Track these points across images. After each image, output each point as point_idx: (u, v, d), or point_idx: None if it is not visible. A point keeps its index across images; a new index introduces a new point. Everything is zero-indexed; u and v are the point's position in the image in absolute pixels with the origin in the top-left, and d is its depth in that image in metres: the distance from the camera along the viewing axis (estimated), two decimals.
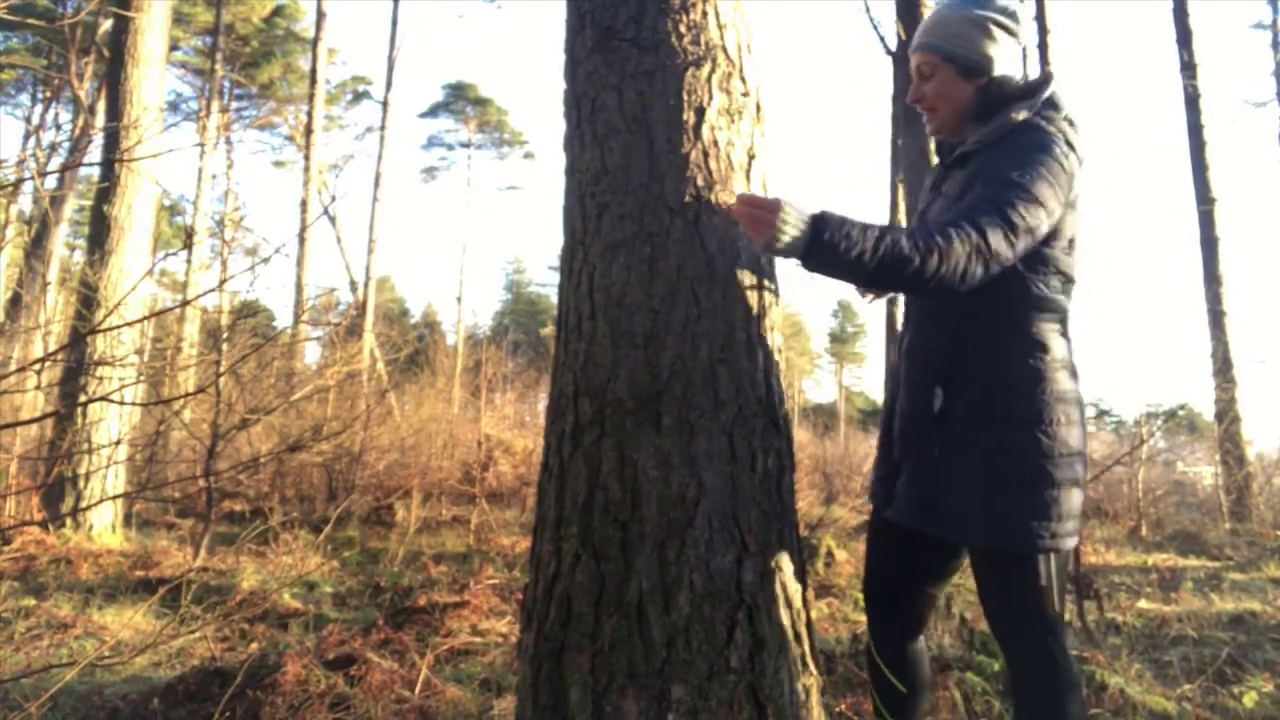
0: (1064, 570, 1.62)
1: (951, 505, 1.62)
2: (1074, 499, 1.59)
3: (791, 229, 1.47)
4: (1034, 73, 1.77)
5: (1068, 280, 1.65)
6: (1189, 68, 12.22)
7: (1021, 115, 1.63)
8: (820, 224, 1.47)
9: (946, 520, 1.63)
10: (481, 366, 9.79)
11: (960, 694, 2.72)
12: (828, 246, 1.46)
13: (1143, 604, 4.72)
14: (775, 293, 1.94)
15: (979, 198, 1.54)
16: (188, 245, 19.36)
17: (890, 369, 1.91)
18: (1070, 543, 1.59)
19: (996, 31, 1.71)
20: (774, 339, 1.89)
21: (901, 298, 1.92)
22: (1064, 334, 1.66)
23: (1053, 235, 1.60)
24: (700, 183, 1.82)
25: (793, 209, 1.48)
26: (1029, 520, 1.56)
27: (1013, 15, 1.72)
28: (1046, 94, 1.67)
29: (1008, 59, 1.73)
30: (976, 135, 1.69)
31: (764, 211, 1.49)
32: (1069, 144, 1.60)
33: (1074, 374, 1.65)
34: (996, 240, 1.47)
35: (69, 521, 5.86)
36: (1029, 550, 1.56)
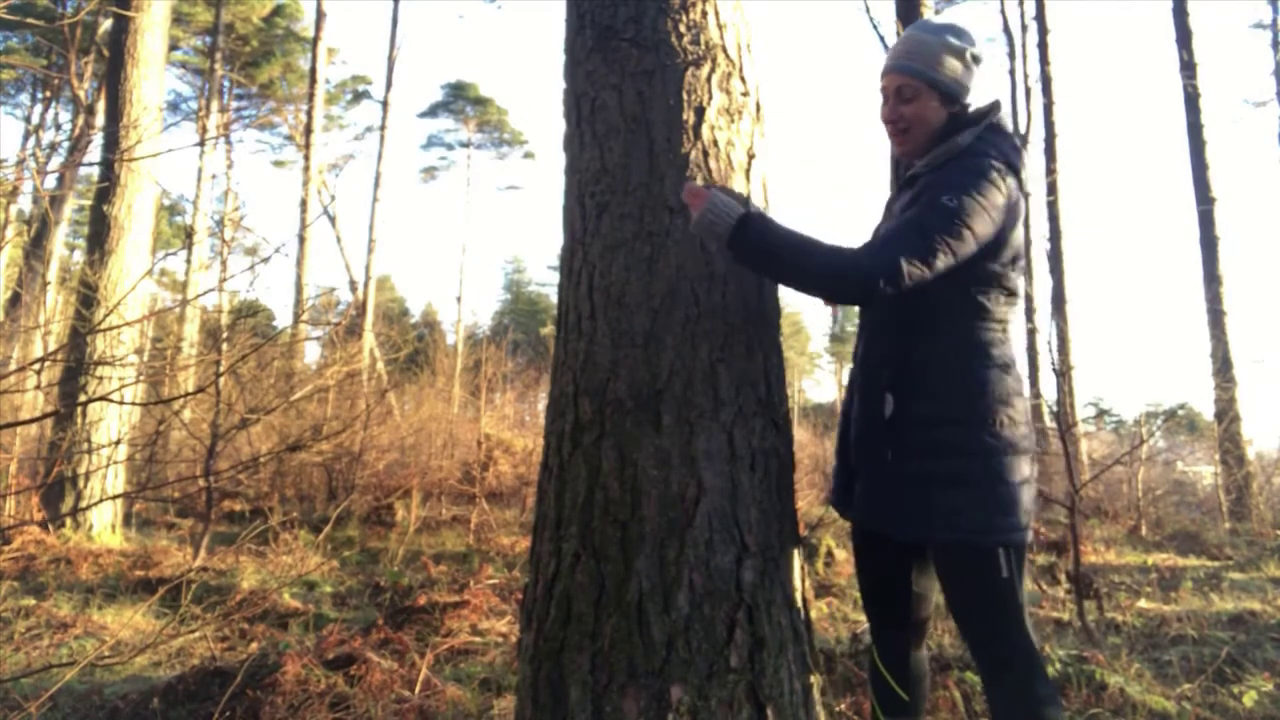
0: (1022, 563, 1.68)
1: (907, 506, 1.69)
2: (1025, 494, 1.67)
3: (715, 210, 1.64)
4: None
5: (1010, 293, 1.73)
6: (1188, 67, 12.22)
7: (965, 139, 1.73)
8: (744, 220, 1.64)
9: (903, 521, 1.70)
10: (481, 366, 9.80)
11: (960, 693, 2.72)
12: (748, 241, 1.64)
13: (1142, 603, 4.72)
14: (775, 292, 1.94)
15: (907, 222, 1.65)
16: (187, 245, 19.36)
17: (850, 378, 1.92)
18: (1025, 536, 1.67)
19: (971, 62, 1.79)
20: (774, 338, 1.89)
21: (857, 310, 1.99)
22: (1005, 340, 1.74)
23: (995, 251, 1.68)
24: (700, 182, 1.82)
25: (721, 200, 1.65)
26: (983, 516, 1.63)
27: (977, 46, 1.82)
28: (993, 120, 1.77)
29: (975, 88, 1.82)
30: (927, 157, 1.78)
31: (696, 198, 1.68)
32: (1008, 166, 1.69)
33: (1016, 377, 1.74)
34: (909, 268, 1.58)
35: (69, 521, 5.86)
36: (986, 544, 1.63)
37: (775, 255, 1.64)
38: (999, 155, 1.69)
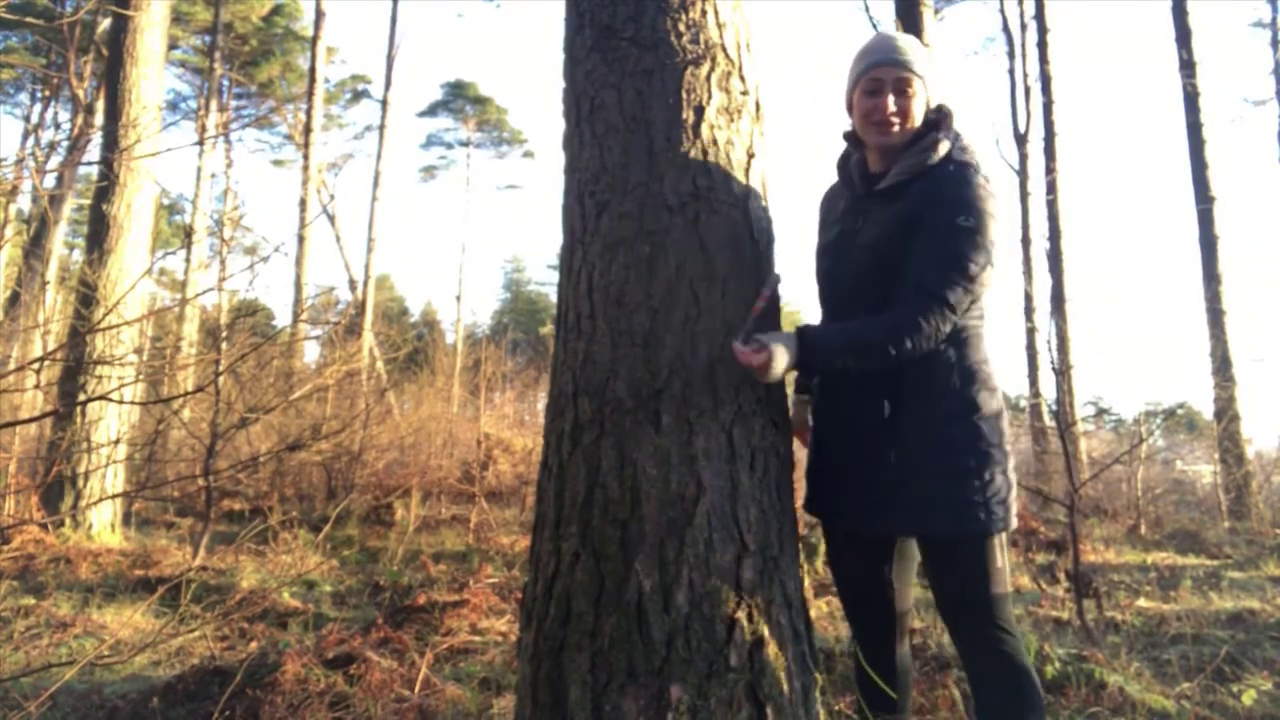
0: (1006, 549, 1.76)
1: (912, 503, 1.73)
2: (1012, 480, 1.77)
3: (780, 362, 1.65)
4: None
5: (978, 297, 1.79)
6: (1188, 66, 12.22)
7: (943, 147, 1.77)
8: (805, 351, 1.69)
9: (908, 519, 1.75)
10: (481, 365, 9.80)
11: (959, 692, 2.72)
12: (814, 361, 1.71)
13: (1142, 602, 4.72)
14: (775, 291, 1.93)
15: (938, 259, 1.69)
16: (187, 244, 19.35)
17: (822, 384, 1.98)
18: (1015, 521, 1.76)
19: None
20: None
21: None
22: (983, 332, 1.83)
23: None
24: (700, 182, 1.82)
25: (779, 347, 1.65)
26: (984, 507, 1.70)
27: None
28: (956, 128, 1.83)
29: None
30: (901, 164, 1.81)
31: (758, 359, 1.65)
32: (987, 179, 1.75)
33: (992, 372, 1.81)
34: (957, 298, 1.67)
35: (68, 520, 5.86)
36: (987, 532, 1.70)
37: (841, 351, 1.70)
38: (978, 163, 1.76)
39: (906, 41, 1.86)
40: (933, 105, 1.86)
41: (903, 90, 1.81)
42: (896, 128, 1.82)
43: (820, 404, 1.96)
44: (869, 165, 1.92)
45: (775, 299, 1.86)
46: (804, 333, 1.71)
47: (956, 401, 1.74)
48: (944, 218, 1.70)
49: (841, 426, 1.86)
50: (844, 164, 1.98)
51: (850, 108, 1.91)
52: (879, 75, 1.82)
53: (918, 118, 1.83)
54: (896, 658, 1.90)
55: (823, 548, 5.55)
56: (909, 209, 1.75)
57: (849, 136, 1.97)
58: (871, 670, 1.88)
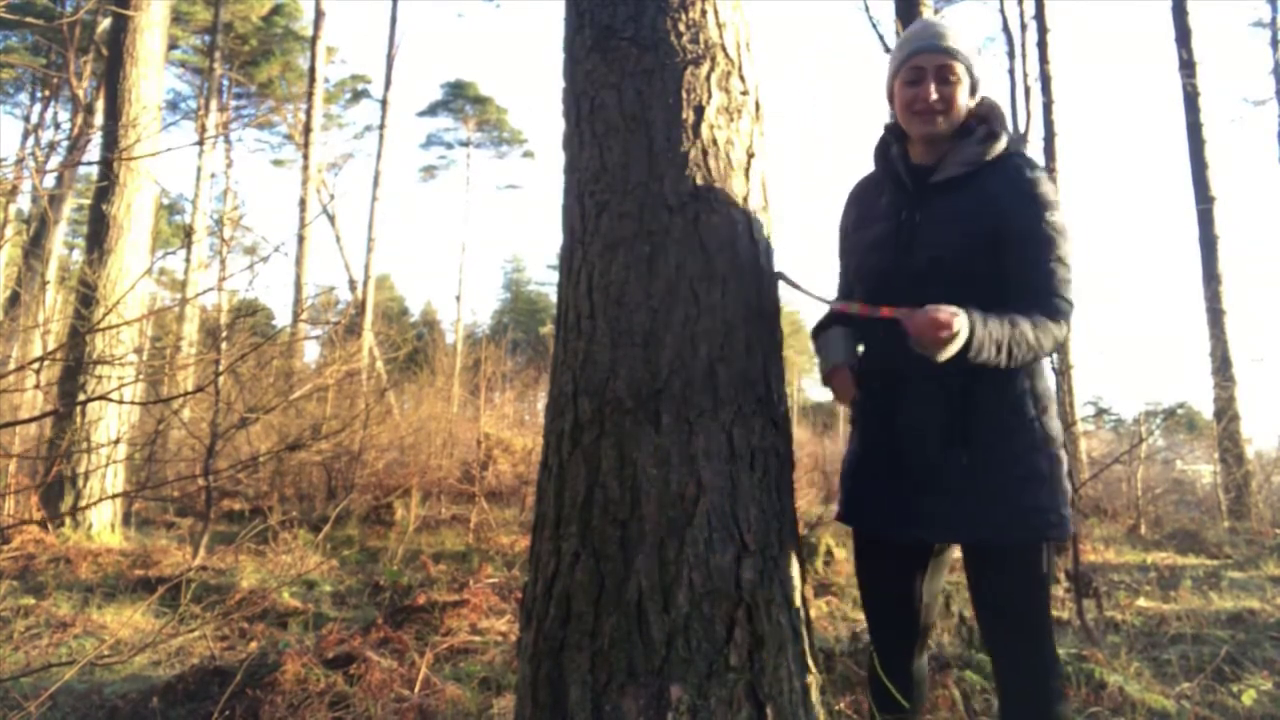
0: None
1: (991, 510, 1.65)
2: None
3: (960, 339, 1.53)
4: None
5: None
6: (1188, 66, 12.22)
7: (1004, 140, 1.74)
8: (968, 340, 1.54)
9: (987, 526, 1.66)
10: (481, 365, 9.80)
11: (959, 692, 2.72)
12: (972, 349, 1.54)
13: (1142, 602, 4.72)
14: (775, 291, 1.93)
15: (1048, 260, 1.66)
16: (186, 244, 19.35)
17: (861, 402, 1.87)
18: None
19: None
20: (773, 337, 1.88)
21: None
22: None
23: None
24: (699, 181, 1.82)
25: (963, 320, 1.52)
26: (1056, 512, 1.66)
27: None
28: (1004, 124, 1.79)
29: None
30: (957, 156, 1.76)
31: (946, 325, 1.51)
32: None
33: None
34: (1074, 299, 1.66)
35: (68, 520, 5.86)
36: (1061, 536, 1.66)
37: (1001, 344, 1.56)
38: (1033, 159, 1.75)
39: (948, 26, 1.79)
40: (979, 89, 1.79)
41: (945, 78, 1.74)
42: (940, 117, 1.75)
43: (868, 410, 1.84)
44: (911, 157, 1.84)
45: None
46: (972, 315, 1.56)
47: (1028, 400, 1.70)
48: (1036, 216, 1.67)
49: (905, 432, 1.74)
50: (883, 155, 1.88)
51: (891, 98, 1.84)
52: (920, 63, 1.75)
53: (963, 106, 1.76)
54: (914, 667, 1.84)
55: (823, 547, 5.58)
56: (987, 207, 1.69)
57: (892, 128, 1.88)
58: (887, 678, 1.81)
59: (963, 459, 1.67)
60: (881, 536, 1.82)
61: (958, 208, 1.72)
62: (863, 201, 1.94)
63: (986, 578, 1.72)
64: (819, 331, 1.97)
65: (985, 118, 1.78)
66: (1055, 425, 1.71)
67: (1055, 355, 1.81)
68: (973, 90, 1.79)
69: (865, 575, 1.90)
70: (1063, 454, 1.71)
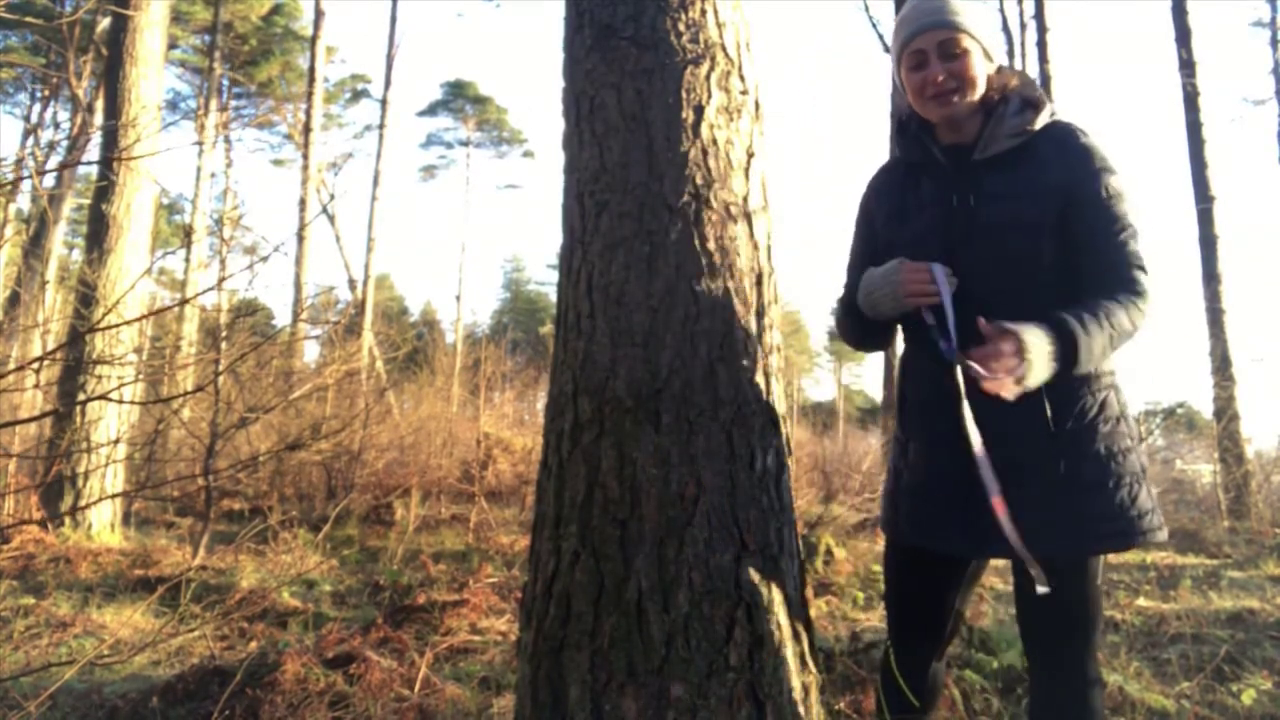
0: None
1: (1087, 518, 1.52)
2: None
3: (1039, 369, 1.39)
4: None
5: None
6: (1188, 65, 12.21)
7: (1048, 111, 1.62)
8: (1071, 354, 1.42)
9: (1088, 534, 1.52)
10: (480, 365, 9.79)
11: (959, 691, 2.72)
12: (1076, 363, 1.43)
13: (1141, 601, 4.72)
14: (774, 290, 1.93)
15: (1119, 239, 1.54)
16: (186, 244, 19.35)
17: (914, 417, 1.73)
18: None
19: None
20: (773, 337, 1.89)
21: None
22: None
23: None
24: (699, 181, 1.82)
25: (1034, 345, 1.38)
26: (1155, 515, 1.55)
27: None
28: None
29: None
30: (1000, 128, 1.62)
31: (1009, 360, 1.37)
32: None
33: None
34: (1150, 265, 1.53)
35: (68, 520, 5.86)
36: (1153, 543, 1.56)
37: (1104, 347, 1.45)
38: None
39: None
40: (993, 54, 1.65)
41: (950, 52, 1.61)
42: (955, 95, 1.61)
43: (925, 425, 1.68)
44: (941, 139, 1.69)
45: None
46: (1066, 326, 1.40)
47: (1112, 402, 1.58)
48: (1100, 185, 1.55)
49: (996, 436, 1.52)
50: (912, 142, 1.71)
51: (903, 89, 1.70)
52: (919, 46, 1.63)
53: (979, 76, 1.62)
54: (931, 671, 1.77)
55: (822, 547, 5.57)
56: (1047, 180, 1.56)
57: (911, 115, 1.73)
58: (904, 680, 1.73)
59: (1060, 465, 1.52)
60: (931, 548, 1.66)
61: (1016, 185, 1.58)
62: (893, 192, 1.76)
63: (1062, 588, 1.53)
64: (849, 297, 1.75)
65: (1017, 88, 1.65)
66: (1132, 425, 1.60)
67: None
68: (987, 55, 1.65)
69: (899, 581, 1.79)
70: (1143, 456, 1.60)
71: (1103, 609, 1.60)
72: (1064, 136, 1.60)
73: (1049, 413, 1.53)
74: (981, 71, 1.63)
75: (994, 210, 1.58)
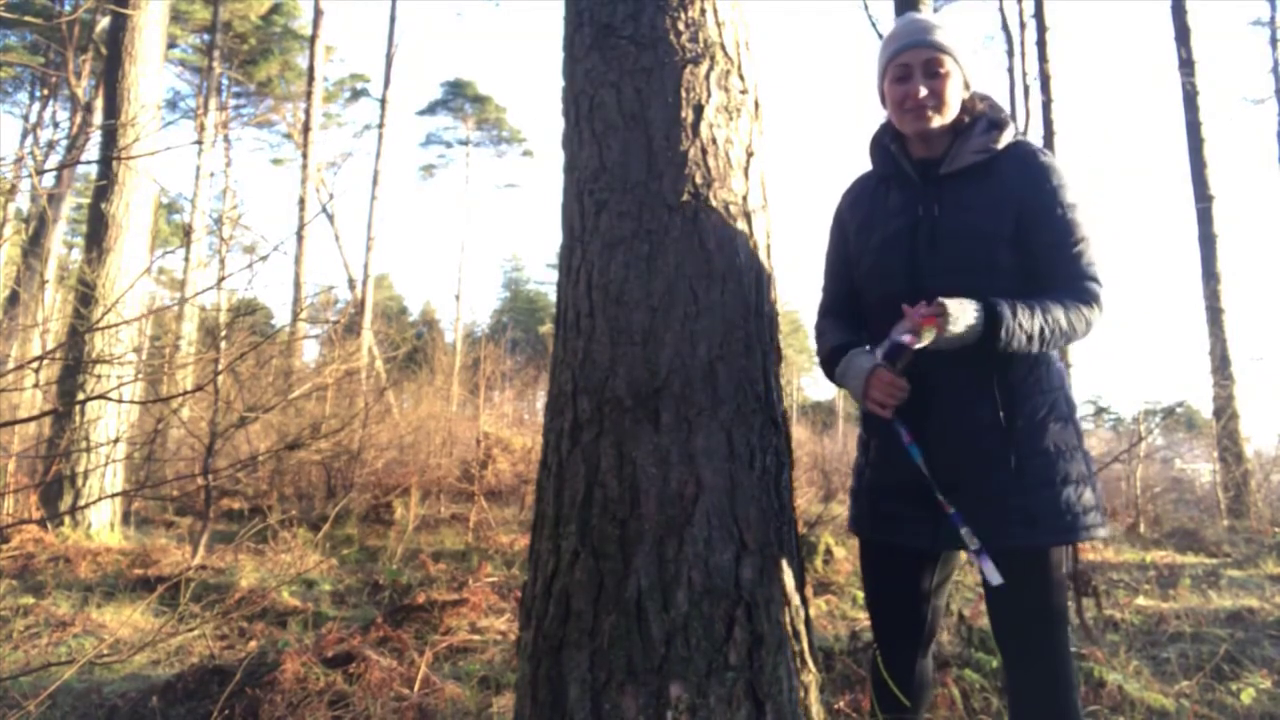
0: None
1: (1036, 512, 1.61)
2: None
3: (959, 320, 1.54)
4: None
5: None
6: (1187, 65, 12.22)
7: (1010, 132, 1.74)
8: (994, 322, 1.55)
9: (1040, 529, 1.61)
10: (480, 364, 9.79)
11: (959, 691, 2.72)
12: (999, 339, 1.56)
13: (1141, 601, 4.72)
14: (774, 290, 1.93)
15: (1075, 242, 1.66)
16: (186, 243, 19.34)
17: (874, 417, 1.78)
18: None
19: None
20: (772, 336, 1.88)
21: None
22: None
23: None
24: (699, 180, 1.82)
25: (956, 304, 1.55)
26: (1099, 511, 1.65)
27: None
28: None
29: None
30: (966, 145, 1.74)
31: (926, 309, 1.55)
32: None
33: None
34: (1103, 276, 1.66)
35: (67, 520, 5.86)
36: (1094, 539, 1.67)
37: (1033, 333, 1.57)
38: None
39: (933, 20, 1.77)
40: (970, 80, 1.77)
41: (933, 71, 1.72)
42: (932, 112, 1.72)
43: (878, 418, 1.72)
44: (912, 153, 1.80)
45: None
46: (993, 304, 1.56)
47: (1063, 400, 1.69)
48: (1055, 199, 1.67)
49: (949, 435, 1.66)
50: (884, 154, 1.83)
51: (883, 98, 1.81)
52: (906, 60, 1.74)
53: (954, 99, 1.74)
54: (917, 669, 1.81)
55: (822, 547, 5.57)
56: (1007, 194, 1.68)
57: (887, 127, 1.84)
58: (891, 679, 1.78)
59: (1010, 461, 1.62)
60: (896, 542, 1.75)
61: (977, 198, 1.69)
62: (865, 203, 1.86)
63: (1022, 580, 1.62)
64: (833, 357, 1.80)
65: (985, 110, 1.77)
66: (1078, 425, 1.72)
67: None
68: (966, 83, 1.77)
69: (875, 581, 1.86)
70: (1087, 452, 1.71)
71: (1067, 601, 1.67)
72: (1025, 155, 1.73)
73: (1001, 412, 1.64)
74: (958, 96, 1.76)
75: (955, 220, 1.70)
